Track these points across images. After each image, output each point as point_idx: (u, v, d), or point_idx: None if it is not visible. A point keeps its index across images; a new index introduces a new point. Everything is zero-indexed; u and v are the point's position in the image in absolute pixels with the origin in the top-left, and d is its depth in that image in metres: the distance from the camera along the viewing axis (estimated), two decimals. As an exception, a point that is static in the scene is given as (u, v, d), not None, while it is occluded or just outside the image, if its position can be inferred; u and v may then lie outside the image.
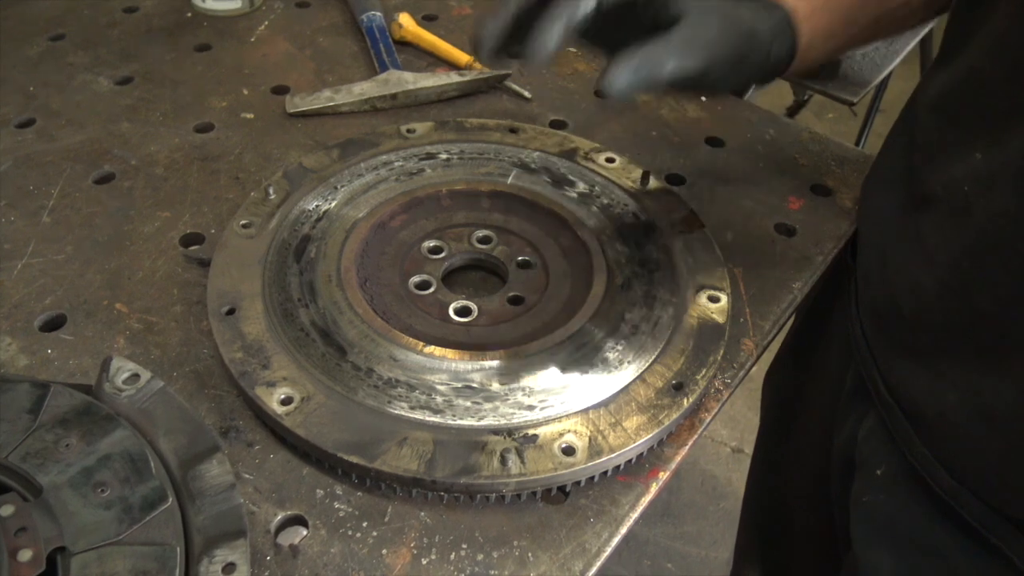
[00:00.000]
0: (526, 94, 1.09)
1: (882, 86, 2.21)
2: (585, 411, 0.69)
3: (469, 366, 0.72)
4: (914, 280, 0.74)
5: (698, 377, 0.72)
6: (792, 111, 2.94)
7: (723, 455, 2.36)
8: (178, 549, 0.55)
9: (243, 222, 0.84)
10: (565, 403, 0.69)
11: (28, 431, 0.60)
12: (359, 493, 0.67)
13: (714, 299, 0.79)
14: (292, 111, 1.04)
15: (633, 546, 2.14)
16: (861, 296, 0.86)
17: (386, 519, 0.66)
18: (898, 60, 1.23)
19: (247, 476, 0.68)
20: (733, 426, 2.39)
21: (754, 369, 0.80)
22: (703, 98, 1.10)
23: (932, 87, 0.74)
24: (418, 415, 0.68)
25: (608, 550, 0.65)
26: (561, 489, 0.67)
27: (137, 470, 0.58)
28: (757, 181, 0.99)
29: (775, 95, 2.96)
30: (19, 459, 0.58)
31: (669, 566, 2.13)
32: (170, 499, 0.57)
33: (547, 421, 0.68)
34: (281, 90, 1.09)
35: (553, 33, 0.65)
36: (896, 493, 0.79)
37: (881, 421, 0.81)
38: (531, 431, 0.67)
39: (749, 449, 2.24)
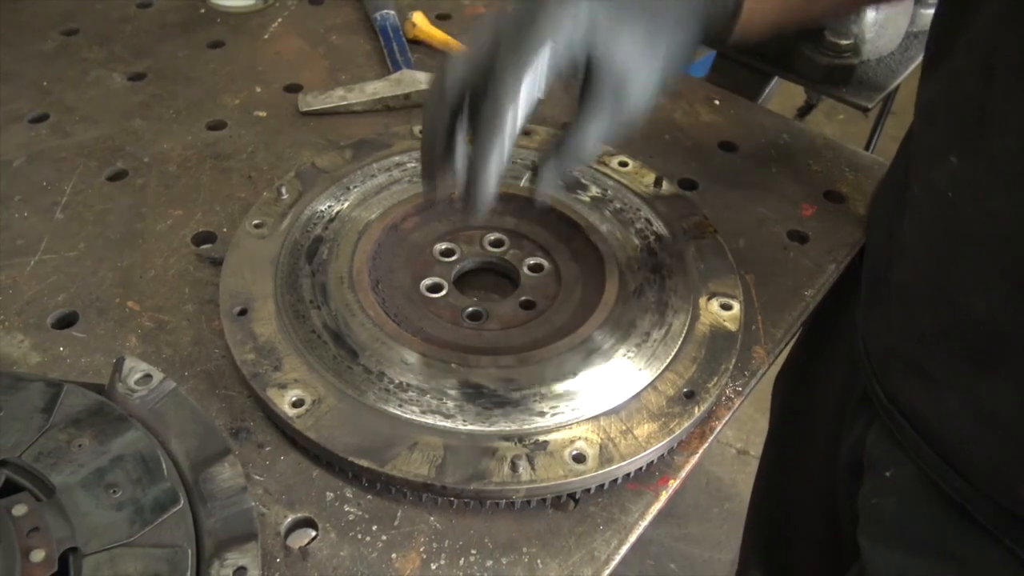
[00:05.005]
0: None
1: (894, 88, 2.20)
2: (596, 418, 0.69)
3: (480, 371, 0.72)
4: (901, 285, 0.74)
5: (709, 385, 0.72)
6: (803, 112, 2.93)
7: (728, 457, 2.36)
8: (189, 552, 0.55)
9: (255, 222, 0.84)
10: (576, 410, 0.69)
11: (41, 430, 0.60)
12: (369, 496, 0.67)
13: (726, 307, 0.79)
14: (305, 110, 1.04)
15: (637, 546, 2.12)
16: (862, 303, 0.86)
17: (396, 523, 0.66)
18: (913, 66, 1.22)
19: (257, 477, 0.68)
20: (739, 427, 2.38)
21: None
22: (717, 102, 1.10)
23: (923, 94, 0.74)
24: (429, 420, 0.68)
25: (617, 558, 0.65)
26: (571, 496, 0.67)
27: (149, 472, 0.59)
28: (770, 187, 0.99)
29: (786, 96, 2.95)
30: (32, 458, 0.59)
31: (673, 567, 2.13)
32: (182, 501, 0.57)
33: (558, 428, 0.68)
34: (294, 88, 1.09)
35: (488, 193, 0.62)
36: (906, 495, 0.79)
37: (886, 427, 0.81)
38: (542, 437, 0.67)
39: (755, 451, 2.24)
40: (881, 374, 0.81)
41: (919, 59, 1.29)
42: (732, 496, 2.26)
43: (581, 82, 0.64)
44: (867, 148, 2.37)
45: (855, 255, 0.92)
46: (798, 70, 1.18)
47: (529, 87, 0.60)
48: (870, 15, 1.15)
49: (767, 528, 1.33)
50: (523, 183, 0.90)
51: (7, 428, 0.60)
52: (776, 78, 1.34)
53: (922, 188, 0.71)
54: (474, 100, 0.63)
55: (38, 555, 0.53)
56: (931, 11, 1.26)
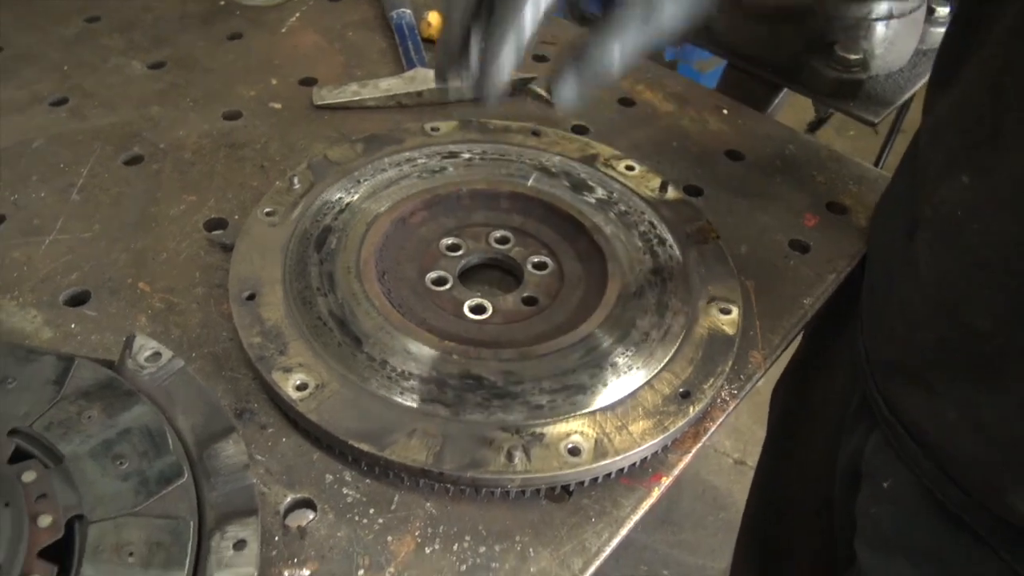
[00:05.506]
0: (550, 98, 1.10)
1: (904, 106, 2.20)
2: (592, 413, 0.70)
3: (481, 363, 0.73)
4: (906, 300, 0.75)
5: (705, 386, 0.74)
6: (813, 127, 2.94)
7: (725, 466, 2.37)
8: (191, 523, 0.56)
9: (267, 210, 0.86)
10: (573, 404, 0.71)
11: (52, 402, 0.62)
12: (367, 480, 0.68)
13: (725, 311, 0.80)
14: (319, 103, 1.06)
15: (631, 551, 2.16)
16: (864, 315, 0.88)
17: (392, 507, 0.67)
18: (921, 83, 1.23)
19: (259, 458, 0.69)
20: (737, 438, 2.39)
21: (761, 382, 0.81)
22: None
23: (931, 111, 0.76)
24: (429, 408, 0.69)
25: (607, 550, 0.66)
26: (565, 488, 0.69)
27: (155, 445, 0.60)
28: (774, 196, 1.00)
29: (797, 111, 2.96)
30: (42, 428, 0.60)
31: (665, 573, 2.14)
32: (186, 475, 0.59)
33: (555, 421, 0.70)
34: (309, 82, 1.11)
35: (501, 80, 0.59)
36: (904, 504, 0.81)
37: (886, 437, 0.82)
38: (538, 430, 0.69)
39: (752, 462, 2.25)
40: (882, 385, 0.82)
41: (927, 76, 1.30)
42: (728, 505, 2.27)
43: None
44: (876, 165, 2.38)
45: (855, 266, 0.93)
46: (807, 83, 1.19)
47: None
48: (880, 30, 1.17)
49: (761, 534, 1.34)
50: (531, 183, 0.92)
51: (19, 398, 0.62)
52: (785, 90, 1.36)
53: (931, 205, 0.72)
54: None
55: (45, 520, 0.54)
56: (941, 29, 1.28)
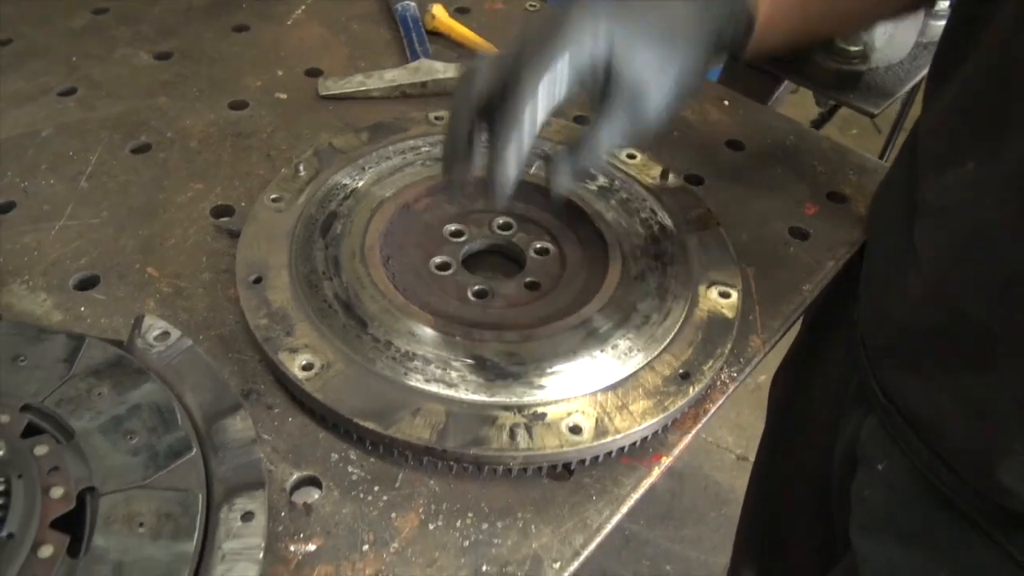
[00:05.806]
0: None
1: (907, 104, 2.21)
2: (594, 394, 0.72)
3: (484, 345, 0.74)
4: (904, 286, 0.76)
5: (705, 368, 0.75)
6: (816, 124, 2.94)
7: (728, 462, 2.37)
8: (200, 496, 0.58)
9: (273, 196, 0.87)
10: (575, 385, 0.72)
11: (63, 379, 0.63)
12: (372, 459, 0.69)
13: (725, 295, 0.81)
14: (324, 94, 1.07)
15: (633, 546, 2.16)
16: (862, 302, 0.88)
17: (396, 485, 0.68)
18: (922, 75, 1.24)
19: (266, 437, 0.70)
20: (739, 433, 2.40)
21: (762, 378, 0.82)
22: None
23: (933, 102, 0.77)
24: (433, 388, 0.70)
25: (608, 527, 0.67)
26: (566, 467, 0.70)
27: (164, 421, 0.62)
28: (774, 185, 1.01)
29: (799, 107, 2.97)
30: (54, 404, 0.62)
31: (668, 568, 2.15)
32: (194, 449, 0.60)
33: (556, 401, 0.71)
34: (314, 73, 1.12)
35: (507, 180, 0.66)
36: (897, 487, 0.82)
37: (881, 421, 0.83)
38: (540, 409, 0.70)
39: (754, 457, 2.26)
40: (878, 370, 0.83)
41: (928, 68, 1.31)
42: (730, 501, 2.27)
43: (600, 90, 0.69)
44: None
45: (854, 253, 0.94)
46: (808, 74, 1.21)
47: (547, 88, 0.64)
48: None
49: (760, 525, 1.35)
50: (533, 171, 0.92)
51: (30, 376, 0.64)
52: (786, 82, 1.37)
53: (933, 192, 0.73)
54: (497, 101, 0.67)
55: (57, 492, 0.56)
56: (941, 22, 1.29)
